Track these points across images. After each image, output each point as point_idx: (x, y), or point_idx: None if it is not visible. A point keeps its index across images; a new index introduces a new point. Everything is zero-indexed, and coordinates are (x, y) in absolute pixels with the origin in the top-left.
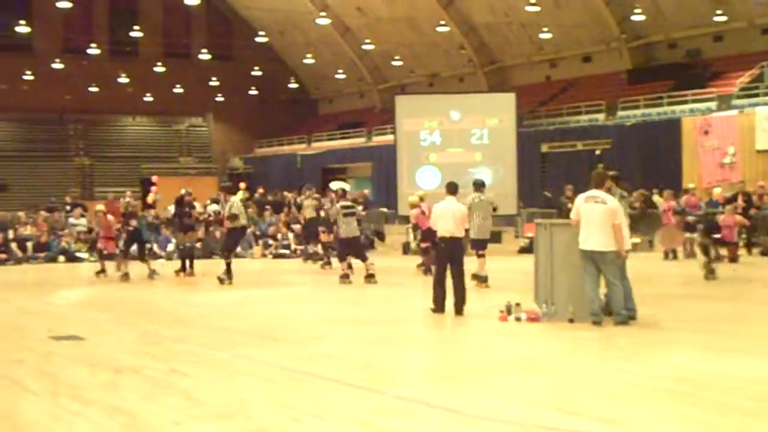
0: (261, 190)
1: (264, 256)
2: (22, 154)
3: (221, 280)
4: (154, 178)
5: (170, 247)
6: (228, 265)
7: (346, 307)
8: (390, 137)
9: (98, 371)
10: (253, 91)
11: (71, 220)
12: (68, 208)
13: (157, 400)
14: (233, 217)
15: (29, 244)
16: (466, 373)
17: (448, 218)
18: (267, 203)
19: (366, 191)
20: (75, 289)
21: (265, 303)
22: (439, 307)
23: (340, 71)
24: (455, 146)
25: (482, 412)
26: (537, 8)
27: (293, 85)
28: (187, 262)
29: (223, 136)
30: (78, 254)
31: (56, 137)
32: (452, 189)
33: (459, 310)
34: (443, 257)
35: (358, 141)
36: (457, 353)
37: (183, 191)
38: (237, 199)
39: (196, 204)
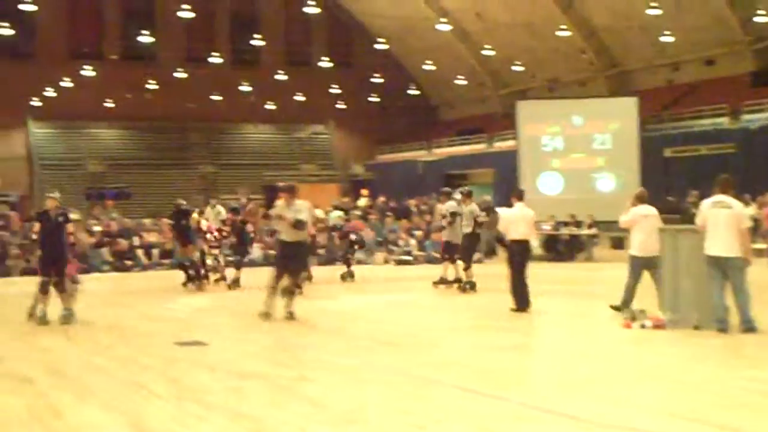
0: (382, 198)
1: (386, 262)
2: (145, 162)
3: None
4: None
5: None
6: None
7: (461, 314)
8: (511, 143)
9: (223, 376)
10: (374, 98)
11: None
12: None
13: (282, 406)
14: (299, 223)
15: (155, 251)
16: (589, 380)
17: (520, 223)
18: (389, 210)
19: (487, 197)
20: (198, 295)
21: (388, 309)
22: (522, 304)
23: (460, 77)
24: (578, 151)
25: (605, 419)
26: (658, 11)
27: (413, 92)
28: (191, 272)
29: (344, 144)
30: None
31: (179, 145)
32: (520, 195)
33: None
34: (519, 259)
35: (479, 147)
36: (580, 360)
37: (179, 201)
38: (305, 206)
39: (195, 214)
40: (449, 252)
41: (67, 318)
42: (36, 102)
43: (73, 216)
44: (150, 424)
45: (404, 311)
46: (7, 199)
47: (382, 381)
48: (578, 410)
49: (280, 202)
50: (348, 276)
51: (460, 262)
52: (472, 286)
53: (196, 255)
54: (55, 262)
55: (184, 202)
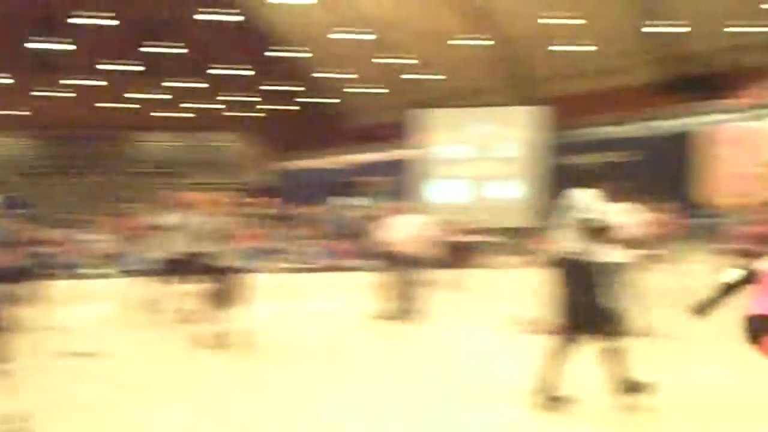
0: (284, 205)
1: (285, 270)
2: (40, 171)
3: None
4: (186, 194)
5: None
6: None
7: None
8: (411, 151)
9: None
10: (285, 106)
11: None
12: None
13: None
14: None
15: None
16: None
17: (406, 231)
18: (294, 217)
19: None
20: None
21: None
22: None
23: (370, 85)
24: (485, 159)
25: None
26: (568, 21)
27: (322, 100)
28: None
29: (252, 151)
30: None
31: (81, 153)
32: (406, 205)
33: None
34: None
35: (386, 155)
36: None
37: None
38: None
39: None
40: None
41: None
42: None
43: None
44: None
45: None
46: None
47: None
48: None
49: None
50: None
51: None
52: None
53: None
54: None
55: None
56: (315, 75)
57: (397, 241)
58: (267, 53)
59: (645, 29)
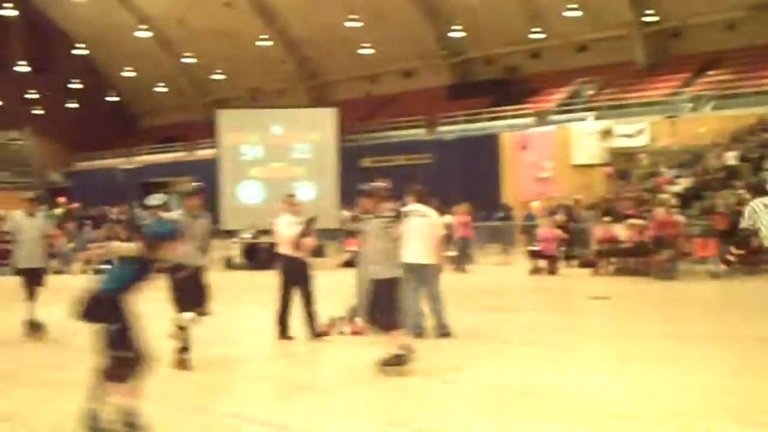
0: (77, 205)
1: (84, 272)
2: None
3: None
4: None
5: None
6: None
7: None
8: (212, 151)
9: None
10: (73, 104)
11: None
12: None
13: None
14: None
15: None
16: (301, 388)
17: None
18: (86, 217)
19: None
20: None
21: None
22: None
23: (161, 85)
24: (277, 161)
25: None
26: (358, 24)
27: (113, 98)
28: None
29: (41, 150)
30: None
31: None
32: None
33: None
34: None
35: (180, 155)
36: (290, 367)
37: None
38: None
39: None
40: None
41: None
42: None
43: None
44: None
45: None
46: None
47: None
48: (291, 419)
49: None
50: None
51: None
52: None
53: None
54: None
55: None
56: (100, 72)
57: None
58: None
59: (438, 33)
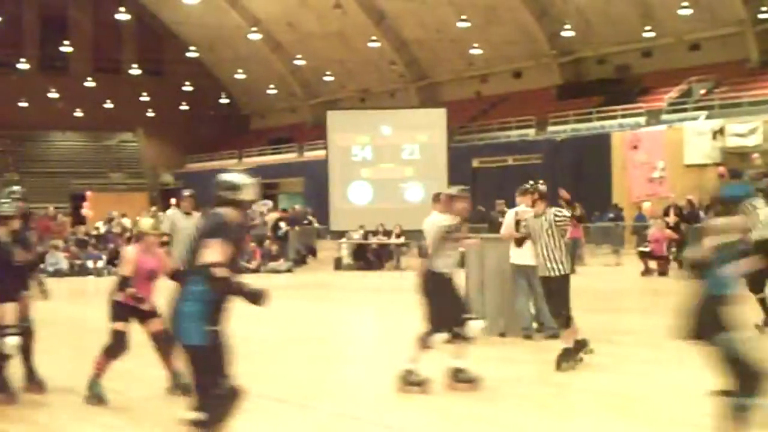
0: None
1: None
2: None
3: None
4: (88, 194)
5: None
6: None
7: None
8: (322, 152)
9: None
10: (184, 107)
11: None
12: None
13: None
14: None
15: None
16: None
17: None
18: None
19: (307, 208)
20: None
21: None
22: None
23: (272, 87)
24: (386, 161)
25: (418, 428)
26: (468, 24)
27: (224, 101)
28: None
29: (153, 152)
30: None
31: None
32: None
33: None
34: None
35: (290, 156)
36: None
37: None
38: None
39: None
40: None
41: None
42: None
43: None
44: None
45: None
46: None
47: None
48: (391, 419)
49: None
50: None
51: None
52: None
53: None
54: None
55: None
56: (212, 74)
57: None
58: (186, 54)
59: (549, 32)
